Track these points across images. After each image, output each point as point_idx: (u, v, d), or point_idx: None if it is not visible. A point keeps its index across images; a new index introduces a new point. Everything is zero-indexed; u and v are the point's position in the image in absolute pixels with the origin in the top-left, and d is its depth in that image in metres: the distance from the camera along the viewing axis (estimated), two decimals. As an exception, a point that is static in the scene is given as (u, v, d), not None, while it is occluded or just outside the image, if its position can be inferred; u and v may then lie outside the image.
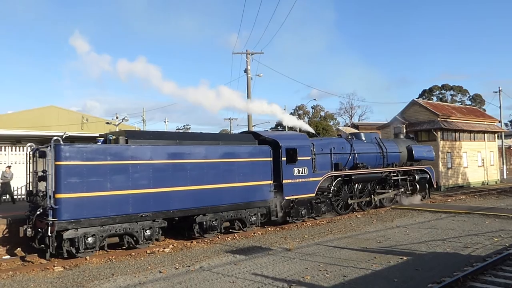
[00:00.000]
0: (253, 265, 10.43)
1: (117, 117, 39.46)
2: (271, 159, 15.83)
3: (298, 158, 16.44)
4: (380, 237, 13.69)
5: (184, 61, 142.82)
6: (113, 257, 11.87)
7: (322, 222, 17.15)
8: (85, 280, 9.59)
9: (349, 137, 21.21)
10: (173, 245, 13.27)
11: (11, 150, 20.84)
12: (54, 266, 10.85)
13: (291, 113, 70.51)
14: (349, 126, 66.36)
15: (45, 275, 10.11)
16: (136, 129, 36.38)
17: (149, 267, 10.57)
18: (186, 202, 13.42)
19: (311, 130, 23.49)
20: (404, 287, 8.30)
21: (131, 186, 12.26)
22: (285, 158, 16.07)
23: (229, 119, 58.60)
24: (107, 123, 36.53)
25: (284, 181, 15.97)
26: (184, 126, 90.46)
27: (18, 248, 12.76)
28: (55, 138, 11.41)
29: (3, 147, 20.73)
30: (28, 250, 12.40)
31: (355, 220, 17.66)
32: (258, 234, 15.03)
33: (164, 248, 12.84)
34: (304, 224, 16.75)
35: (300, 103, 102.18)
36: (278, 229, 15.92)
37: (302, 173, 16.61)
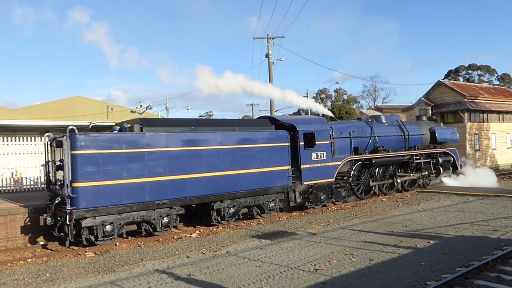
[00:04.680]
0: (279, 250, 10.52)
1: (141, 106, 39.95)
2: (289, 144, 15.67)
3: (316, 142, 16.27)
4: (406, 220, 13.58)
5: (204, 47, 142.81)
6: (142, 242, 12.15)
7: (347, 206, 17.10)
8: (115, 265, 9.87)
9: (369, 120, 20.87)
10: (199, 231, 13.49)
11: (40, 140, 21.42)
12: (85, 252, 11.20)
13: (313, 97, 69.93)
14: (372, 109, 65.43)
15: (77, 261, 10.45)
16: (160, 117, 36.79)
17: (177, 252, 10.79)
18: (203, 189, 13.43)
19: (330, 113, 23.29)
20: (431, 271, 8.24)
21: (147, 174, 12.32)
22: (303, 143, 15.94)
23: (251, 104, 58.37)
24: (132, 111, 37.00)
25: (302, 166, 15.87)
26: (206, 113, 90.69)
27: (40, 237, 13.02)
28: (70, 127, 11.45)
29: (32, 138, 21.32)
30: (51, 239, 12.54)
31: (380, 204, 17.54)
32: (283, 219, 15.11)
33: (191, 234, 13.07)
34: (329, 209, 16.73)
35: (323, 86, 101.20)
36: (303, 213, 15.97)
37: (320, 157, 16.45)
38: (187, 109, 63.03)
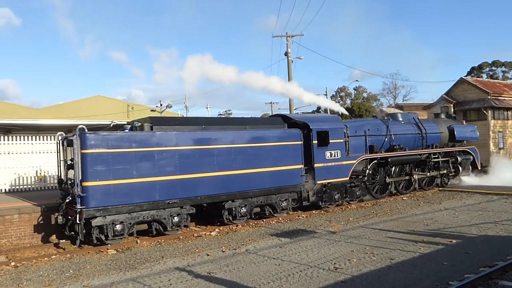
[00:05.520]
0: (298, 248, 10.51)
1: (161, 104, 40.24)
2: (302, 142, 15.47)
3: (330, 141, 16.04)
4: (428, 219, 13.39)
5: (222, 45, 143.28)
6: (162, 240, 12.28)
7: (367, 205, 16.95)
8: (137, 262, 10.01)
9: (385, 118, 20.47)
10: (219, 229, 13.56)
11: (63, 139, 21.82)
12: (107, 249, 11.39)
13: (332, 95, 69.58)
14: (393, 107, 64.58)
15: (100, 258, 10.64)
16: (179, 116, 37.07)
17: (197, 250, 10.88)
18: (214, 188, 13.32)
19: (343, 110, 23.14)
20: (453, 271, 8.11)
21: (157, 173, 12.24)
22: (316, 141, 15.74)
23: (270, 103, 58.31)
24: (152, 110, 37.27)
25: (315, 165, 15.66)
26: (225, 111, 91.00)
27: (53, 235, 13.13)
28: (80, 126, 11.50)
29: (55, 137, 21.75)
30: (63, 237, 12.55)
31: (401, 202, 17.34)
32: (302, 217, 15.08)
33: (211, 232, 13.15)
34: (349, 207, 16.62)
35: (342, 84, 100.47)
36: (322, 212, 15.90)
37: (334, 156, 16.20)
38: (206, 108, 63.36)
